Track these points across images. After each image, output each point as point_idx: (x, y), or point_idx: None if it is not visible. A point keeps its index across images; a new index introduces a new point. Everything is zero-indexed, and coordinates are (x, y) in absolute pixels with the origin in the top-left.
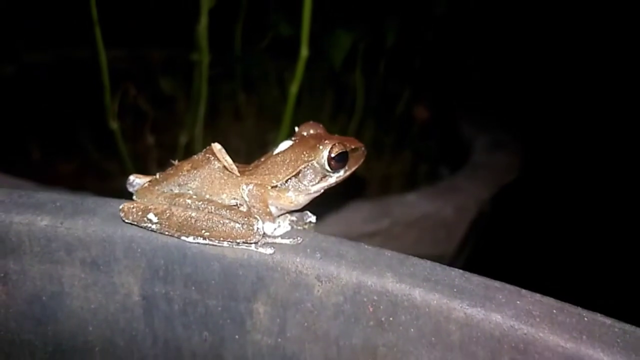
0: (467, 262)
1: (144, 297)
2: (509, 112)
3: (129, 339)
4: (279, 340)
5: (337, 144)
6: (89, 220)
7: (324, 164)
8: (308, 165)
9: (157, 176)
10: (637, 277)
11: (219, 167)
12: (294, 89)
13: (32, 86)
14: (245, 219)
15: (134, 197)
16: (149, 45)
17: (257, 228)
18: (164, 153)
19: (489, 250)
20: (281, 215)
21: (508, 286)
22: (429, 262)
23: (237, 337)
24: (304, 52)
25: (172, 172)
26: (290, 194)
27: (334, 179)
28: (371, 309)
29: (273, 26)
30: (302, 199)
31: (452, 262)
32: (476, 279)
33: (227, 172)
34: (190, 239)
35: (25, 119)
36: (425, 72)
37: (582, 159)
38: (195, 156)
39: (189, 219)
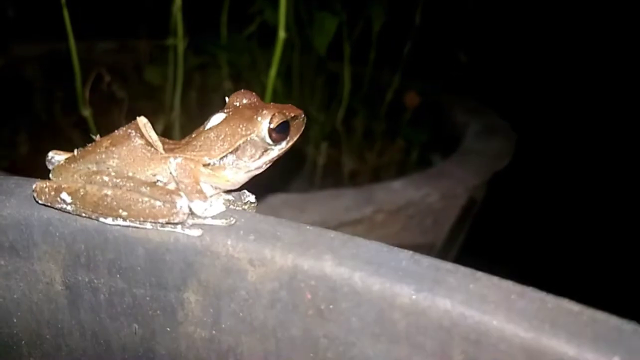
0: (459, 252)
1: (67, 286)
2: (502, 97)
3: (55, 331)
4: (214, 332)
5: (276, 114)
6: (5, 202)
7: (265, 136)
8: (246, 139)
9: (75, 153)
10: (632, 266)
11: (141, 143)
12: (272, 72)
13: (18, 78)
14: (167, 196)
15: (50, 176)
16: (139, 36)
17: (180, 206)
18: None
19: (482, 239)
20: (215, 194)
21: (462, 268)
22: (375, 244)
23: (168, 329)
24: (282, 34)
25: (90, 148)
26: (227, 172)
27: (275, 152)
28: (309, 296)
29: (258, 12)
30: (241, 177)
31: (443, 252)
32: (427, 260)
33: (152, 149)
34: (109, 220)
35: (13, 111)
36: (415, 58)
37: (576, 145)
38: (116, 131)
39: (104, 197)
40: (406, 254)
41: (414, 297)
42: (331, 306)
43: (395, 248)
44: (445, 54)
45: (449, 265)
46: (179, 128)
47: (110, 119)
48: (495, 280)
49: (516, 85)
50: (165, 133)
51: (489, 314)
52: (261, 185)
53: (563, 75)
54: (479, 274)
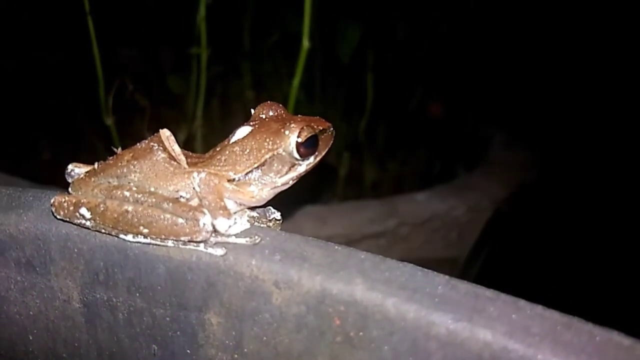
0: (483, 267)
1: (84, 304)
2: (530, 108)
3: (72, 350)
4: (236, 356)
5: (305, 127)
6: (23, 216)
7: (292, 151)
8: (273, 154)
9: (96, 166)
10: None
11: (163, 157)
12: (295, 81)
13: (39, 85)
14: (190, 213)
15: (69, 190)
16: (162, 45)
17: (204, 224)
18: None
19: (508, 254)
20: (239, 210)
21: (503, 296)
22: (409, 266)
23: (188, 351)
24: (305, 43)
25: (111, 161)
26: (252, 188)
27: (303, 167)
28: (338, 322)
29: (281, 22)
30: (266, 194)
31: (466, 267)
32: (464, 286)
33: (175, 163)
34: (130, 237)
35: (34, 118)
36: (438, 67)
37: (608, 156)
38: (138, 144)
39: (125, 213)
40: (442, 278)
41: (451, 326)
42: (361, 333)
43: (431, 272)
44: (470, 63)
45: (489, 292)
46: (201, 137)
47: (132, 127)
48: (539, 309)
49: (546, 94)
50: (187, 142)
51: (533, 347)
52: (281, 196)
53: (598, 82)
54: (522, 302)
